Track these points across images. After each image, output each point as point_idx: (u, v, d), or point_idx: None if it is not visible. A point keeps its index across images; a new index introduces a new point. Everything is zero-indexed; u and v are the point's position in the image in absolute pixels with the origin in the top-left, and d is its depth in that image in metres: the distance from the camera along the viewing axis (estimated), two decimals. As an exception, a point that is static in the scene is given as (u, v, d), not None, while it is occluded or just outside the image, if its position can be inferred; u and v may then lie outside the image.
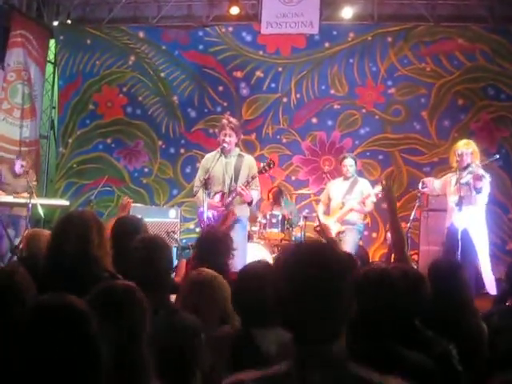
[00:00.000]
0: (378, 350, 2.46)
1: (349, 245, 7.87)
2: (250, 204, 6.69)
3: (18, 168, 9.07)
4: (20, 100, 11.30)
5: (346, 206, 8.14)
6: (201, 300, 3.16)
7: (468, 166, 6.69)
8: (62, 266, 3.27)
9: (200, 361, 2.85)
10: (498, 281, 6.59)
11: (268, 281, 2.75)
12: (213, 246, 4.26)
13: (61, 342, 1.71)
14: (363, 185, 8.31)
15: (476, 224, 6.62)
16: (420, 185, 7.33)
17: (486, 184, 6.57)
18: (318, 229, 5.65)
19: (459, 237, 6.38)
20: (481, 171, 6.57)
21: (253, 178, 6.55)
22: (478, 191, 6.42)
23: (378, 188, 7.89)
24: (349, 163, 8.35)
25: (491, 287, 6.74)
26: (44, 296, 1.85)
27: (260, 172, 6.60)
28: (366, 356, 1.91)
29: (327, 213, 8.43)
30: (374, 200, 8.14)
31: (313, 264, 1.69)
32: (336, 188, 8.44)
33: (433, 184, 7.19)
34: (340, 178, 8.58)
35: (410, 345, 2.67)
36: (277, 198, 9.90)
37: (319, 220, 6.49)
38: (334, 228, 8.03)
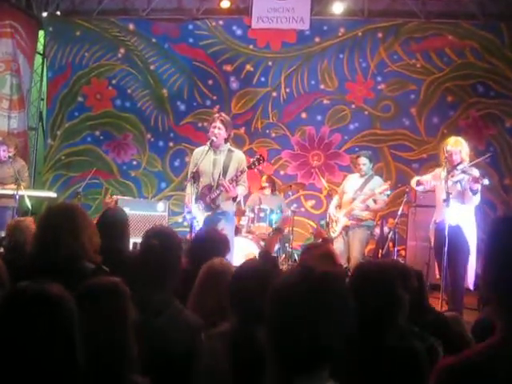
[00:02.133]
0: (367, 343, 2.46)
1: (355, 244, 7.95)
2: (234, 199, 6.64)
3: (1, 153, 8.82)
4: (8, 91, 11.23)
5: (354, 203, 8.16)
6: (221, 289, 3.14)
7: (458, 164, 6.64)
8: (42, 256, 3.27)
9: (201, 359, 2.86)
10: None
11: (270, 280, 2.75)
12: (212, 245, 4.23)
13: (34, 327, 1.72)
14: (374, 183, 8.27)
15: (467, 222, 6.62)
16: (414, 184, 7.22)
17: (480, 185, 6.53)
18: (314, 233, 5.65)
19: (447, 232, 6.37)
20: (474, 171, 6.52)
21: (241, 172, 6.52)
22: (475, 192, 6.39)
23: (383, 187, 8.01)
24: (362, 162, 8.31)
25: (470, 283, 6.78)
26: (21, 283, 1.86)
27: (249, 167, 6.56)
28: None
29: (340, 205, 8.45)
30: (385, 198, 8.17)
31: (314, 295, 1.69)
32: (351, 183, 8.43)
33: (428, 184, 7.07)
34: (357, 174, 8.54)
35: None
36: (273, 184, 9.95)
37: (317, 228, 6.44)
38: (342, 221, 8.22)
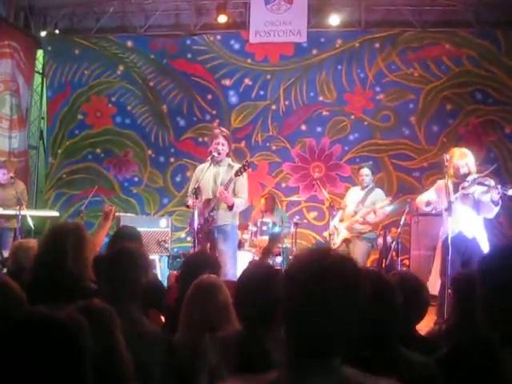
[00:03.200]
0: (379, 352, 2.45)
1: (356, 257, 7.58)
2: (230, 208, 6.58)
3: (0, 177, 8.89)
4: (8, 111, 11.27)
5: (356, 216, 8.18)
6: (209, 303, 3.15)
7: (467, 175, 6.58)
8: (43, 277, 3.26)
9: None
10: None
11: (274, 283, 2.76)
12: (201, 261, 4.23)
13: (45, 358, 1.70)
14: (375, 195, 8.29)
15: (480, 233, 6.59)
16: (423, 206, 7.07)
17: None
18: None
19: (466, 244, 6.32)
20: (490, 182, 6.40)
21: (229, 180, 6.49)
22: (497, 204, 6.34)
23: (385, 202, 8.05)
24: (365, 173, 8.35)
25: None
26: (32, 309, 1.84)
27: (236, 174, 6.51)
28: (367, 358, 1.90)
29: (342, 219, 8.50)
30: (386, 212, 8.17)
31: (328, 275, 1.64)
32: (352, 196, 8.49)
33: (436, 201, 6.95)
34: (358, 187, 8.58)
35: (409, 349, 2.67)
36: (270, 204, 9.94)
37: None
38: (342, 233, 8.28)
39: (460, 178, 6.55)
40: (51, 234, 3.55)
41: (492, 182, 6.41)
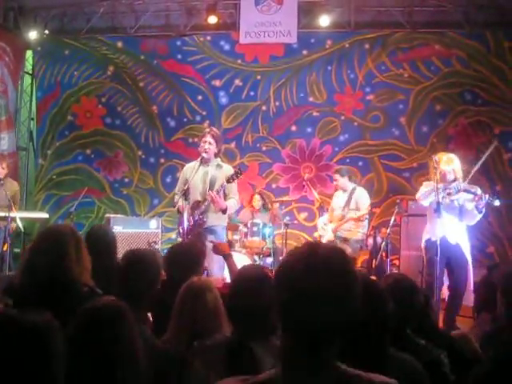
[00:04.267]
0: (369, 352, 2.46)
1: None
2: (224, 212, 6.59)
3: None
4: (-5, 113, 11.20)
5: (342, 221, 8.22)
6: (200, 306, 3.15)
7: (453, 181, 6.61)
8: (36, 281, 3.22)
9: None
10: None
11: (265, 288, 2.75)
12: (183, 260, 4.22)
13: (13, 358, 1.70)
14: (358, 195, 8.30)
15: (463, 239, 6.64)
16: (428, 195, 7.11)
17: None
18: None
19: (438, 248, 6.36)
20: (477, 190, 6.46)
21: (221, 186, 6.48)
22: (480, 211, 6.40)
23: (362, 212, 8.06)
24: (335, 178, 8.53)
25: (471, 301, 6.79)
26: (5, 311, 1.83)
27: (228, 181, 6.49)
28: (358, 357, 1.90)
29: (331, 220, 8.51)
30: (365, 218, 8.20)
31: (324, 272, 1.62)
32: (337, 200, 8.51)
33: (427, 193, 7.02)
34: (340, 191, 8.58)
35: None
36: (264, 200, 10.04)
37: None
38: (328, 236, 8.30)
39: (446, 184, 6.58)
40: (41, 238, 3.51)
41: (478, 190, 6.44)
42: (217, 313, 3.15)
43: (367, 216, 8.25)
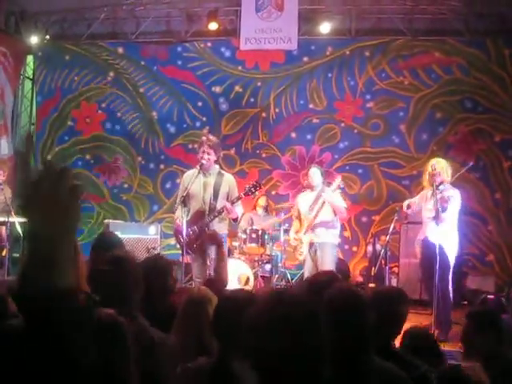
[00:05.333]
0: (352, 361, 2.46)
1: (327, 264, 7.29)
2: (235, 220, 6.74)
3: None
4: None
5: (313, 212, 7.58)
6: (202, 319, 3.14)
7: (439, 185, 6.86)
8: (28, 288, 3.20)
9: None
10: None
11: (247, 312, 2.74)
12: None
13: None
14: (329, 195, 7.59)
15: (448, 240, 6.79)
16: (405, 207, 7.38)
17: (453, 204, 6.80)
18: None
19: (437, 251, 6.51)
20: (450, 192, 6.84)
21: (238, 199, 6.55)
22: (443, 210, 6.64)
23: (336, 182, 7.62)
24: (311, 172, 7.79)
25: None
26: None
27: (246, 194, 6.58)
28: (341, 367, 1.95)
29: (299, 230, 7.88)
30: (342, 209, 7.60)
31: (275, 327, 1.78)
32: (303, 201, 7.86)
33: (417, 205, 7.32)
34: (307, 191, 8.04)
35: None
36: (267, 204, 10.04)
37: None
38: (305, 241, 7.61)
39: (437, 185, 6.84)
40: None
41: (450, 192, 6.87)
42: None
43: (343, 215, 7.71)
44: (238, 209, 6.65)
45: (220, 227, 6.67)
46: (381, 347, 2.77)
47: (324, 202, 7.54)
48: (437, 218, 6.60)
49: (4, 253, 8.36)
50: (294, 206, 8.43)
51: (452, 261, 6.82)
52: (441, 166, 6.92)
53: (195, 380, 2.70)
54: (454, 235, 6.88)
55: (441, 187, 6.81)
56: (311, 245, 7.56)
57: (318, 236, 7.57)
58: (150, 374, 2.75)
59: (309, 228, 7.63)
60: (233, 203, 6.47)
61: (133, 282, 3.19)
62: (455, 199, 6.81)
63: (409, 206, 7.30)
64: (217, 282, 4.84)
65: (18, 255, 10.64)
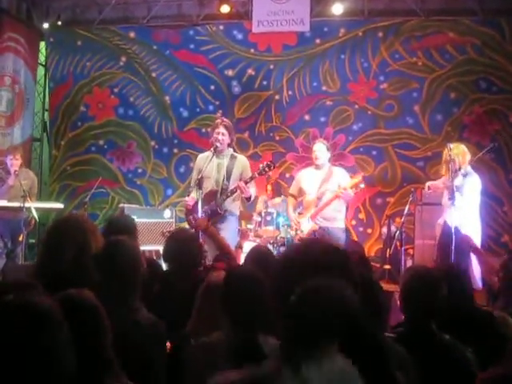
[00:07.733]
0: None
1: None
2: (248, 200, 6.76)
3: (9, 164, 8.70)
4: (5, 108, 11.18)
5: (323, 199, 7.24)
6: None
7: (458, 169, 6.84)
8: (57, 273, 3.21)
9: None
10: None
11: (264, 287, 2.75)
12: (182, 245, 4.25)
13: (16, 342, 1.64)
14: (339, 175, 7.44)
15: (468, 225, 6.78)
16: (426, 188, 7.48)
17: (469, 185, 6.83)
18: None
19: (452, 232, 6.51)
20: (468, 179, 6.93)
21: (252, 178, 6.59)
22: (458, 189, 6.76)
23: (355, 180, 7.29)
24: (317, 148, 7.53)
25: (479, 281, 6.96)
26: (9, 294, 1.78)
27: (260, 174, 6.63)
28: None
29: (301, 209, 7.72)
30: (351, 195, 7.30)
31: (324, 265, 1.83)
32: (308, 179, 7.50)
33: (438, 187, 7.38)
34: (311, 167, 7.77)
35: (429, 350, 2.70)
36: (277, 189, 10.00)
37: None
38: (306, 226, 7.32)
39: (454, 171, 6.80)
40: (55, 224, 3.54)
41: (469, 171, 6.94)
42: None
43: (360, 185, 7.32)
44: (252, 190, 6.68)
45: (232, 207, 6.72)
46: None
47: (336, 196, 7.17)
48: (452, 198, 6.62)
49: (20, 238, 8.37)
50: (293, 183, 8.04)
51: (476, 246, 6.81)
52: (455, 153, 6.88)
53: (212, 353, 2.71)
54: (475, 220, 6.86)
55: (461, 171, 6.81)
56: (314, 232, 7.19)
57: (324, 222, 7.32)
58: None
59: (313, 217, 7.31)
60: (246, 183, 6.50)
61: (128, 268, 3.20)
62: (473, 184, 6.78)
63: (429, 188, 7.43)
64: (225, 258, 4.85)
65: (33, 241, 10.75)
